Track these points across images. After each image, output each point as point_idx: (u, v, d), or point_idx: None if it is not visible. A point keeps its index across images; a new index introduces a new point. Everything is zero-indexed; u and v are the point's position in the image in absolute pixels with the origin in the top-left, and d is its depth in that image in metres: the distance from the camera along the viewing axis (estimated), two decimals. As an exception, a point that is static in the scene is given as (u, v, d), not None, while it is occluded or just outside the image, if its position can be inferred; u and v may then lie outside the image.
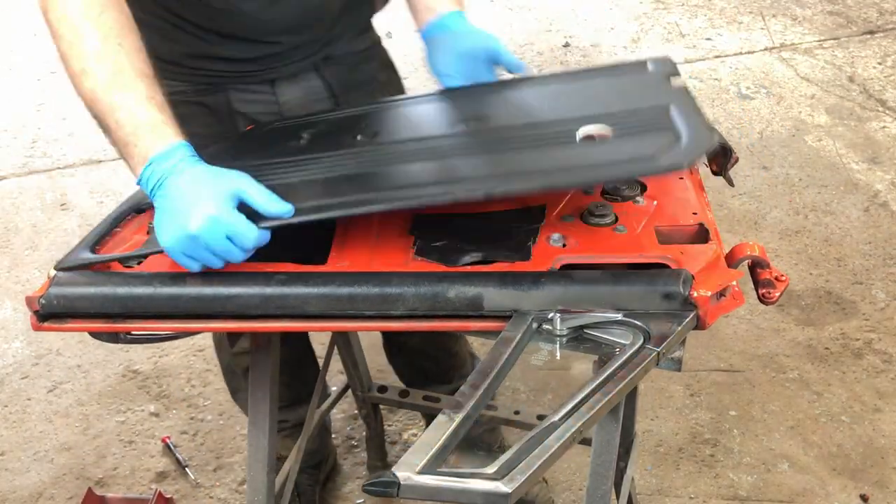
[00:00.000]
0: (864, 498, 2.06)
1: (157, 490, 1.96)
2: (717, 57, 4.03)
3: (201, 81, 1.53)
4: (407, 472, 0.87)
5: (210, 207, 1.10)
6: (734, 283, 1.12)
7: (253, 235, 1.11)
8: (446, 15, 1.50)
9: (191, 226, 1.09)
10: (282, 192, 1.20)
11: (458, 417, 0.94)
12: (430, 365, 2.02)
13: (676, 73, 1.45)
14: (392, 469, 0.87)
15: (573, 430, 0.92)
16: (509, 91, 1.51)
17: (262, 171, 1.33)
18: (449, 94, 1.52)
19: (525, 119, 1.37)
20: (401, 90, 1.76)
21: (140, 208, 1.33)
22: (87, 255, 1.21)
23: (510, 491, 0.85)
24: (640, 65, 1.51)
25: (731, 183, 1.49)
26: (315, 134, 1.46)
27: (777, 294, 1.18)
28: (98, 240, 1.25)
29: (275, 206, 1.13)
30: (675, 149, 1.14)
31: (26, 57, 4.32)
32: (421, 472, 0.87)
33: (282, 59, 1.53)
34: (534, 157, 1.22)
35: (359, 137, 1.40)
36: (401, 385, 2.06)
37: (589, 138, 1.25)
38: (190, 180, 1.13)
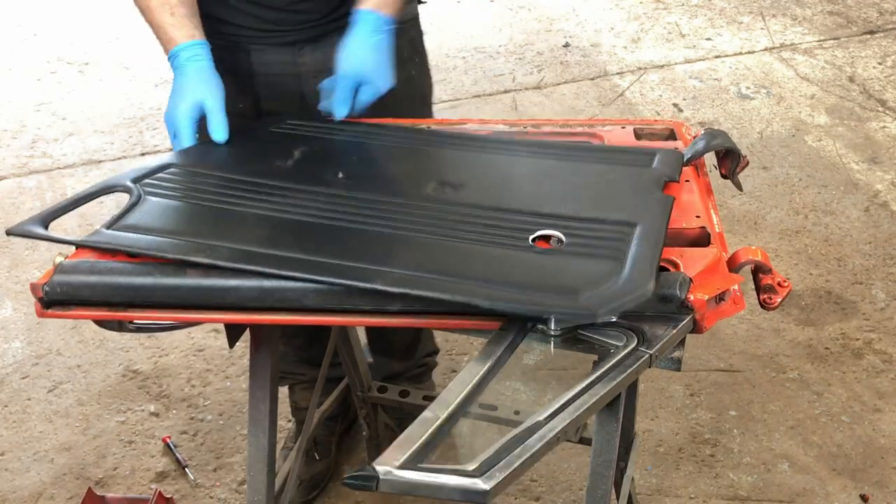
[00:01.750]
0: (864, 498, 2.06)
1: (157, 490, 1.96)
2: (717, 57, 4.03)
3: (225, 39, 1.61)
4: (387, 466, 0.86)
5: (179, 108, 1.46)
6: (735, 287, 1.12)
7: (179, 144, 1.47)
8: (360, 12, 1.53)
9: (167, 114, 1.49)
10: (243, 223, 1.27)
11: (444, 414, 0.94)
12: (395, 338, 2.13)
13: (675, 177, 1.36)
14: (373, 463, 0.87)
15: (557, 430, 0.92)
16: (498, 153, 1.48)
17: (239, 191, 1.37)
18: (447, 139, 1.52)
19: (494, 199, 1.33)
20: (423, 72, 1.78)
21: (105, 192, 1.36)
22: (37, 229, 1.26)
23: (488, 488, 0.84)
24: (648, 156, 1.43)
25: (739, 187, 1.47)
26: (301, 158, 1.47)
27: (778, 300, 1.18)
28: (55, 215, 1.30)
29: (217, 133, 1.47)
30: (602, 292, 1.08)
31: (26, 57, 4.32)
32: (401, 467, 0.87)
33: (303, 23, 1.59)
34: (472, 257, 1.18)
35: (340, 175, 1.41)
36: (401, 385, 2.06)
37: (542, 238, 1.21)
38: (180, 80, 1.49)
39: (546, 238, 1.22)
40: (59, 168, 3.46)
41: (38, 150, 3.58)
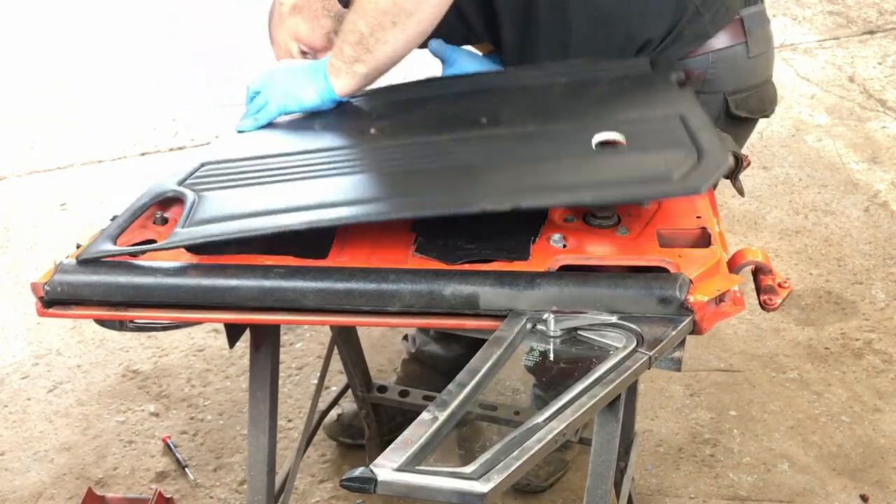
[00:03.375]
0: (864, 498, 2.06)
1: (157, 490, 1.96)
2: (717, 57, 4.03)
3: None
4: (385, 468, 0.86)
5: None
6: (735, 287, 1.12)
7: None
8: None
9: None
10: (305, 190, 1.27)
11: (443, 416, 0.94)
12: None
13: (680, 74, 1.46)
14: (370, 465, 0.86)
15: (555, 432, 0.91)
16: (518, 84, 1.53)
17: (289, 164, 1.37)
18: (456, 82, 1.55)
19: (538, 120, 1.39)
20: None
21: (156, 201, 1.35)
22: (110, 247, 1.23)
23: (485, 491, 0.84)
24: (643, 62, 1.52)
25: (741, 193, 1.47)
26: (326, 124, 1.50)
27: (778, 301, 1.17)
28: (119, 231, 1.28)
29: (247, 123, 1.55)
30: (693, 170, 1.16)
31: (27, 57, 4.32)
32: (399, 470, 0.86)
33: None
34: (554, 168, 1.24)
35: (372, 130, 1.43)
36: (401, 385, 2.06)
37: (604, 145, 1.27)
38: None
39: (608, 142, 1.28)
40: (60, 168, 3.46)
41: (38, 150, 3.58)
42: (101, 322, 1.24)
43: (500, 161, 1.29)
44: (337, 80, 1.49)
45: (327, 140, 1.45)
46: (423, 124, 1.44)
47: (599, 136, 1.28)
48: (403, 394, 2.01)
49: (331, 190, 1.26)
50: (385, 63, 1.46)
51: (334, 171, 1.32)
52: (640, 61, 1.54)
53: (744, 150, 1.45)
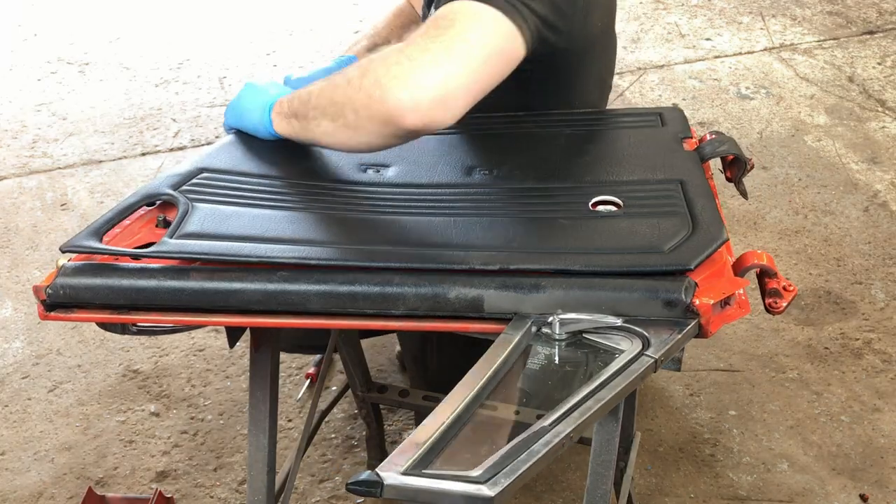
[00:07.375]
0: (863, 498, 2.06)
1: (157, 490, 1.96)
2: (716, 57, 4.03)
3: None
4: (391, 471, 0.87)
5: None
6: (740, 291, 1.12)
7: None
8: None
9: None
10: (306, 222, 1.26)
11: (448, 418, 0.94)
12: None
13: (688, 133, 1.45)
14: (376, 469, 0.86)
15: (563, 435, 0.91)
16: (522, 135, 1.51)
17: (284, 192, 1.36)
18: (462, 129, 1.53)
19: (538, 175, 1.38)
20: None
21: (151, 201, 1.34)
22: (93, 244, 1.23)
23: (493, 495, 0.84)
24: (654, 116, 1.51)
25: (745, 195, 1.47)
26: (331, 157, 1.47)
27: (784, 304, 1.17)
28: (106, 227, 1.27)
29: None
30: (684, 244, 1.15)
31: (26, 57, 4.32)
32: (405, 473, 0.87)
33: None
34: (547, 229, 1.23)
35: (377, 170, 1.42)
36: (401, 385, 2.06)
37: (600, 204, 1.27)
38: None
39: (604, 203, 1.27)
40: (60, 168, 3.46)
41: (38, 150, 3.58)
42: (104, 325, 1.23)
43: (496, 218, 1.28)
44: (277, 119, 1.47)
45: (328, 172, 1.43)
46: (423, 170, 1.43)
47: (596, 198, 1.28)
48: (403, 394, 2.01)
49: (323, 227, 1.26)
50: (310, 139, 1.44)
51: (329, 208, 1.31)
52: (649, 115, 1.53)
53: (745, 151, 1.45)
